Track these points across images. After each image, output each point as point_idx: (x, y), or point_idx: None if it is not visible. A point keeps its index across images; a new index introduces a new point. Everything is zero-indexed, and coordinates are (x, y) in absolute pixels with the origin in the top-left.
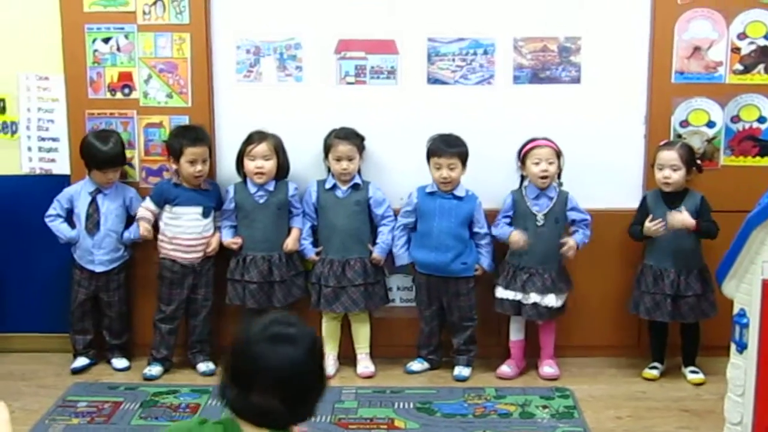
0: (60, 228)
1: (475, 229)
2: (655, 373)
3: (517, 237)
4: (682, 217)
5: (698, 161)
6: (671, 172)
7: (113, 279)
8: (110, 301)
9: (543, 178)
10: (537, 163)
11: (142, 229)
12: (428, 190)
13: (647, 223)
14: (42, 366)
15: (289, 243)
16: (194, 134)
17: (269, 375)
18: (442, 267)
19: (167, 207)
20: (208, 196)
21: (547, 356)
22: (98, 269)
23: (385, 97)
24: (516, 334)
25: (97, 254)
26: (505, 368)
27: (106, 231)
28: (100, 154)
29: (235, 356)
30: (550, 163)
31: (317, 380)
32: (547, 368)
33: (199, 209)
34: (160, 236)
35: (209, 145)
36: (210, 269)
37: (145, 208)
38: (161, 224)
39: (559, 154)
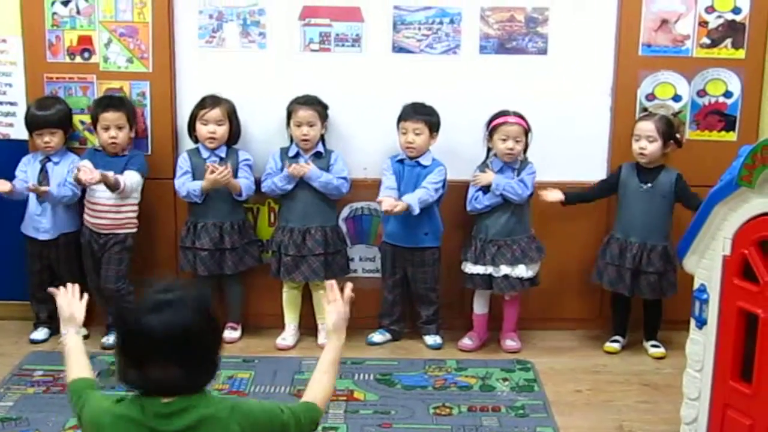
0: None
1: (423, 183)
2: (616, 346)
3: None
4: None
5: (677, 135)
6: (647, 143)
7: (63, 251)
8: (62, 273)
9: (509, 154)
10: (504, 140)
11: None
12: (398, 158)
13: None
14: None
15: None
16: (108, 101)
17: (158, 345)
18: (404, 236)
19: None
20: (126, 161)
21: (509, 329)
22: (42, 237)
23: (349, 65)
24: (480, 308)
25: (43, 221)
26: (466, 341)
27: (52, 199)
28: (29, 118)
29: (123, 336)
30: (517, 141)
31: (210, 337)
32: (509, 341)
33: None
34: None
35: (127, 112)
36: (115, 247)
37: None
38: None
39: (527, 132)
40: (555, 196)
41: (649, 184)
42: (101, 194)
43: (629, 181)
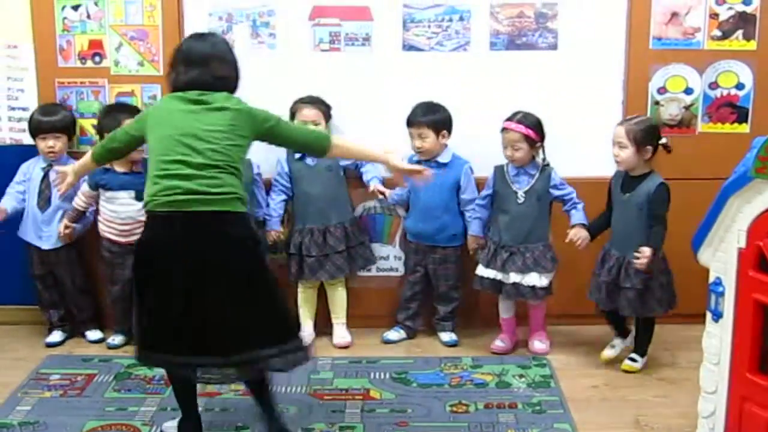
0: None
1: (461, 196)
2: (610, 353)
3: (576, 233)
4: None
5: (663, 140)
6: (618, 150)
7: (63, 256)
8: (65, 278)
9: (511, 161)
10: (505, 147)
11: (61, 226)
12: (415, 158)
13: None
14: (15, 339)
15: None
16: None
17: (199, 56)
18: (429, 236)
19: (101, 191)
20: (141, 178)
21: (536, 330)
22: (45, 246)
23: (359, 64)
24: (506, 312)
25: (46, 231)
26: (499, 343)
27: (56, 207)
28: (34, 123)
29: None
30: (516, 149)
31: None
32: (537, 343)
33: (132, 193)
34: (99, 217)
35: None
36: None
37: (81, 194)
38: (100, 205)
39: (528, 138)
40: (581, 234)
41: (628, 194)
42: (128, 214)
43: (614, 190)
